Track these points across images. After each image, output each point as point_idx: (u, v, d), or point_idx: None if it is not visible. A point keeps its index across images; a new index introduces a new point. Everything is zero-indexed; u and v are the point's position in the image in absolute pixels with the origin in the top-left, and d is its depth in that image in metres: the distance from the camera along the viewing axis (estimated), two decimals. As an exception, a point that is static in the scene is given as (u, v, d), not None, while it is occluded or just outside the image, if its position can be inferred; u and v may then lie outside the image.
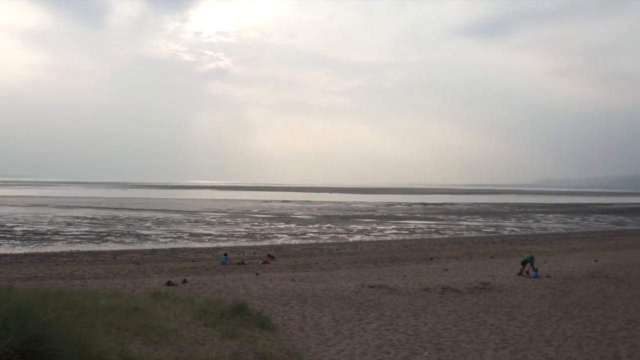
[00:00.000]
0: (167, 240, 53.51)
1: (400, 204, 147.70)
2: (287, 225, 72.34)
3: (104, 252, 43.47)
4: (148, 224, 69.70)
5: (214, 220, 79.34)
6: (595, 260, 34.88)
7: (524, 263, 28.84)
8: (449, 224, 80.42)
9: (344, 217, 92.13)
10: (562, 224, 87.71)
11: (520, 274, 28.31)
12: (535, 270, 28.03)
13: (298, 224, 74.43)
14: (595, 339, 16.36)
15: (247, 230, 64.96)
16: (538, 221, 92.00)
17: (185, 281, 24.27)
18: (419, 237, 60.89)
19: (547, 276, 27.68)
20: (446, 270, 31.09)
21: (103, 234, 57.37)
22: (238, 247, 47.87)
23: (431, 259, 39.22)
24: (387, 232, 66.52)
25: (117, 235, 56.64)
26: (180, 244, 50.23)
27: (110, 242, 51.10)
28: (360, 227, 72.14)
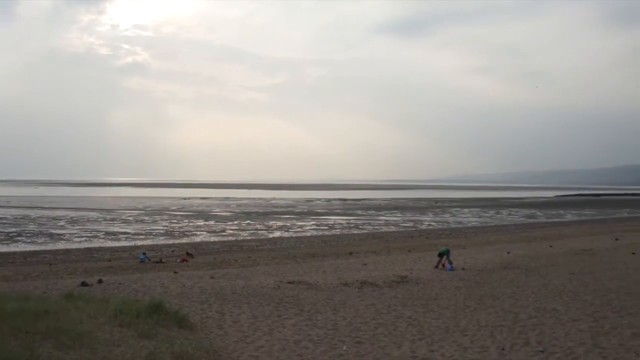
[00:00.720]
0: (82, 239, 52.01)
1: (320, 200, 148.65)
2: (206, 223, 71.63)
3: (14, 253, 41.76)
4: (62, 223, 67.57)
5: (131, 218, 77.66)
6: (508, 252, 36.05)
7: (440, 256, 29.46)
8: (368, 219, 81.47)
9: (264, 213, 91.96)
10: (477, 217, 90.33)
11: (436, 267, 28.93)
12: (451, 263, 28.73)
13: (217, 221, 73.85)
14: (508, 327, 16.89)
15: (165, 228, 63.91)
16: (454, 215, 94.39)
17: (100, 281, 23.61)
18: (339, 233, 61.41)
19: (462, 268, 28.43)
20: (365, 264, 31.44)
21: (13, 234, 55.19)
22: (156, 246, 47.03)
23: (350, 254, 39.57)
24: (307, 228, 66.80)
25: (29, 235, 54.60)
26: (95, 243, 48.91)
27: (20, 242, 49.21)
28: (279, 223, 72.16)
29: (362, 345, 14.88)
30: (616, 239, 45.88)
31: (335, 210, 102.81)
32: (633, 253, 35.42)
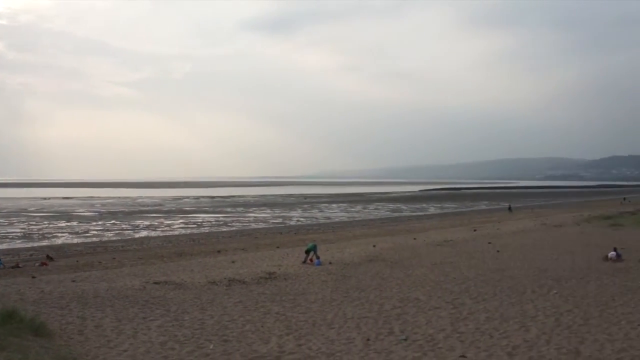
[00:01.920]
0: None
1: (188, 197, 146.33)
2: (68, 224, 68.53)
3: None
4: None
5: (-16, 221, 72.93)
6: (374, 246, 37.04)
7: (307, 252, 29.84)
8: (237, 217, 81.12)
9: (130, 212, 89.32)
10: (345, 212, 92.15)
11: (304, 262, 29.27)
12: (318, 257, 29.17)
13: (80, 222, 70.85)
14: (373, 318, 17.40)
15: (23, 230, 60.52)
16: (322, 211, 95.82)
17: (-53, 290, 21.99)
18: (207, 231, 60.70)
19: (330, 263, 28.94)
20: (233, 262, 31.28)
21: None
22: (13, 249, 44.42)
23: (219, 251, 39.23)
24: (175, 226, 65.54)
25: None
26: (-57, 249, 45.43)
27: None
28: (146, 222, 70.32)
29: (229, 343, 14.77)
30: (474, 230, 48.32)
31: (203, 208, 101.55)
32: (489, 243, 37.53)
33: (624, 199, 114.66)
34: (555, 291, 20.99)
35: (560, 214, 73.24)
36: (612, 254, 28.83)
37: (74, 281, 24.19)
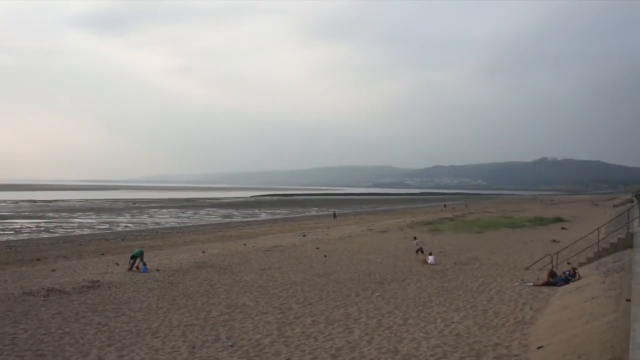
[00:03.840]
0: None
1: (5, 201, 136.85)
2: None
3: None
4: None
5: None
6: (203, 252, 36.76)
7: (133, 258, 29.01)
8: (60, 222, 77.01)
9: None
10: (175, 218, 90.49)
11: (130, 269, 28.40)
12: (145, 264, 28.44)
13: None
14: (200, 325, 17.21)
15: None
16: (152, 216, 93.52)
17: None
18: (26, 237, 56.99)
19: (157, 270, 28.36)
20: (53, 270, 29.66)
21: None
22: None
23: (38, 259, 36.98)
24: (-10, 233, 60.95)
25: None
26: None
27: None
28: (-44, 229, 64.84)
29: (44, 358, 13.94)
30: (304, 236, 49.30)
31: (23, 213, 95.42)
32: (317, 248, 38.48)
33: (444, 205, 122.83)
34: (378, 294, 21.90)
35: (385, 220, 76.58)
36: (430, 258, 30.60)
37: None
